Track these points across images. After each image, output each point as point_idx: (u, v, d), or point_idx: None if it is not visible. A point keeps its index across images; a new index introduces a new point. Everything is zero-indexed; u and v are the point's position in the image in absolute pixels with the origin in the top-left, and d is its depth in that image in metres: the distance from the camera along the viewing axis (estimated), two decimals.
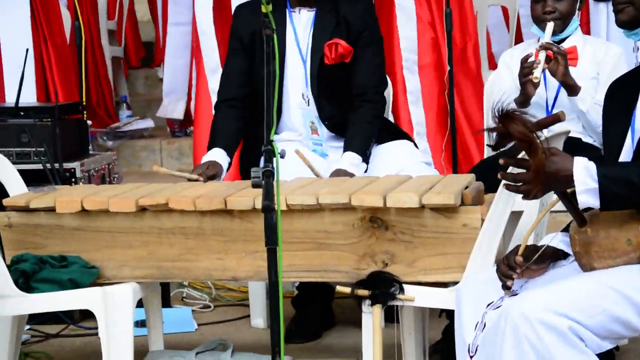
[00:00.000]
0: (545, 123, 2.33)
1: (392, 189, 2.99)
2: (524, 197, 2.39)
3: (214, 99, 4.89)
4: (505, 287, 2.47)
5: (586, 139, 3.79)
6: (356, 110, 3.71)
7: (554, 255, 2.54)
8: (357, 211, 2.97)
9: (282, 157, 2.20)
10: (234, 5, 4.63)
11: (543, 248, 2.50)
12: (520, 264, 2.45)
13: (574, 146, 3.47)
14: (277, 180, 2.18)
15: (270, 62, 2.25)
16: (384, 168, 3.63)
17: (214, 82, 4.85)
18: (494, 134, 2.32)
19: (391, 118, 4.47)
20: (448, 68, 4.51)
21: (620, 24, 2.53)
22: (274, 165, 2.19)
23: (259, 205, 2.98)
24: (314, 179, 3.40)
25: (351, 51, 3.71)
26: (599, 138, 3.72)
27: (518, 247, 2.50)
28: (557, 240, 2.54)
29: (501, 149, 2.37)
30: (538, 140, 2.30)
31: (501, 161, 2.35)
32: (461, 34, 4.74)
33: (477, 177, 3.23)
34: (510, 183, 2.38)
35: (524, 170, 2.35)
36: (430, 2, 4.63)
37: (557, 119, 2.34)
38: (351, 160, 3.61)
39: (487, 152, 4.05)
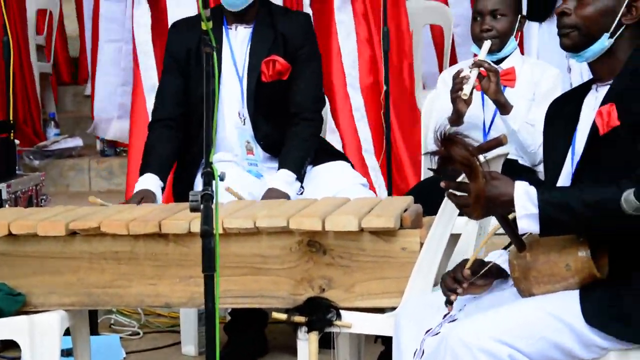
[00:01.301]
0: (488, 147, 2.33)
1: (330, 212, 2.98)
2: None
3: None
4: (448, 302, 2.46)
5: (523, 161, 3.83)
6: (292, 128, 3.69)
7: (499, 273, 2.54)
8: (294, 235, 2.95)
9: (222, 179, 2.17)
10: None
11: (490, 264, 2.50)
12: (468, 277, 2.45)
13: (511, 168, 3.50)
14: (216, 204, 2.14)
15: (210, 80, 2.22)
16: (322, 190, 3.62)
17: (151, 101, 4.79)
18: (435, 157, 2.32)
19: (337, 136, 4.47)
20: (384, 88, 4.52)
21: (565, 47, 2.52)
22: (213, 188, 2.16)
23: (194, 229, 2.94)
24: (251, 201, 3.37)
25: (289, 68, 3.69)
26: (530, 159, 3.76)
27: (464, 261, 2.50)
28: (503, 260, 2.54)
29: (443, 173, 2.37)
30: (479, 164, 2.30)
31: (442, 184, 2.34)
32: (397, 52, 4.77)
33: (415, 200, 3.23)
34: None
35: (465, 194, 2.35)
36: (368, 19, 4.64)
37: (499, 142, 2.34)
38: (285, 178, 3.59)
39: (425, 174, 4.06)
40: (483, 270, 2.47)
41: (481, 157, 2.31)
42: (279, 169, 3.64)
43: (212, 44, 2.20)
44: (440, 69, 5.40)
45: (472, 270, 2.46)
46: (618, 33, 2.47)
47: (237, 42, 3.74)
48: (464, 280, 2.45)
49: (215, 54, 2.20)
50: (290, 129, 3.69)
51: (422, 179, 4.06)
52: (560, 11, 2.50)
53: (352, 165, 3.89)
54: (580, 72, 4.27)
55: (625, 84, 2.45)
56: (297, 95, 3.70)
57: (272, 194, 3.54)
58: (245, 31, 3.74)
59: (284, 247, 2.96)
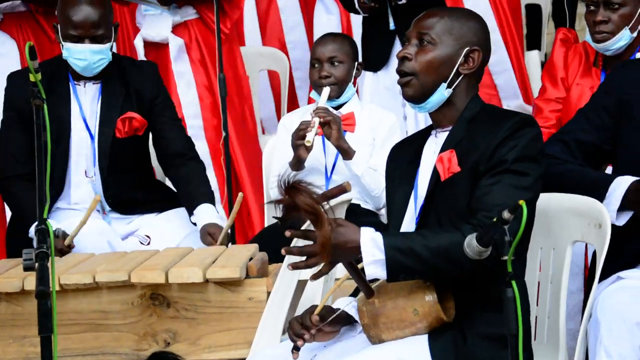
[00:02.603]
0: (332, 195, 2.34)
1: (173, 263, 2.94)
2: (316, 276, 2.38)
3: None
4: (295, 348, 2.44)
5: (365, 205, 3.88)
6: (181, 168, 3.68)
7: (347, 320, 2.54)
8: (136, 288, 2.90)
9: (57, 236, 2.09)
10: None
11: (339, 311, 2.49)
12: (317, 323, 2.44)
13: (354, 213, 3.54)
14: (52, 263, 2.05)
15: (40, 134, 2.14)
16: (164, 239, 3.57)
17: None
18: (280, 205, 2.31)
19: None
20: (224, 134, 4.50)
21: (407, 98, 2.54)
22: (49, 245, 2.07)
23: (28, 287, 2.84)
24: (89, 254, 3.27)
25: (145, 124, 3.66)
26: (375, 202, 3.82)
27: (313, 307, 2.50)
28: (351, 307, 2.54)
29: (288, 221, 2.35)
30: (324, 212, 2.30)
31: (287, 233, 2.33)
32: (238, 97, 4.76)
33: (260, 247, 3.21)
34: (297, 262, 2.36)
35: (311, 243, 2.34)
36: (206, 66, 4.62)
37: (343, 190, 2.35)
38: (213, 213, 3.54)
39: (269, 220, 4.05)
40: (332, 317, 2.47)
41: (325, 205, 2.31)
42: (195, 205, 3.57)
43: (42, 96, 2.13)
44: (279, 114, 5.42)
45: (321, 316, 2.45)
46: (456, 83, 2.53)
47: (87, 98, 3.66)
48: (312, 326, 2.44)
49: (45, 106, 2.13)
50: (179, 169, 3.68)
51: (266, 225, 4.04)
52: (402, 56, 2.54)
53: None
54: (416, 121, 4.39)
55: (463, 131, 2.52)
56: (169, 143, 3.70)
57: (212, 228, 3.46)
58: (94, 87, 3.66)
59: (126, 302, 2.91)
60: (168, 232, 3.64)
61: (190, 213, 3.61)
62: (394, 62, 4.42)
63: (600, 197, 2.71)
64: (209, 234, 3.49)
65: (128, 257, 3.12)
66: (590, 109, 2.96)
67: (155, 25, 4.48)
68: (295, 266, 2.36)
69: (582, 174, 2.85)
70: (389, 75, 4.51)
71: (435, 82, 2.52)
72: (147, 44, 4.53)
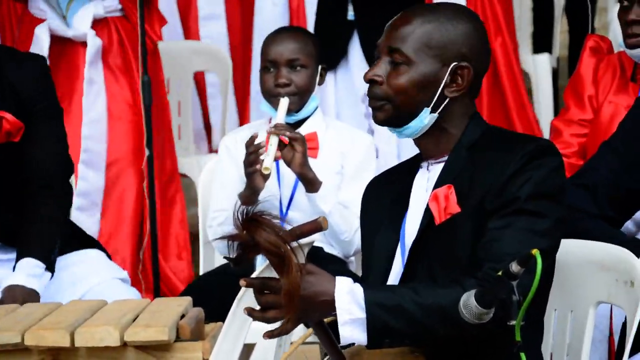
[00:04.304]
0: (302, 232, 2.33)
1: (82, 321, 2.86)
2: (271, 334, 2.34)
3: None
4: None
5: (329, 249, 3.85)
6: (35, 203, 3.59)
7: None
8: (32, 354, 2.82)
9: None
10: None
11: None
12: None
13: (315, 258, 3.51)
14: None
15: None
16: (69, 288, 3.56)
17: None
18: (235, 243, 2.27)
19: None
20: (147, 152, 4.47)
21: (378, 122, 2.55)
22: None
23: None
24: None
25: (21, 127, 3.59)
26: (343, 248, 3.80)
27: None
28: None
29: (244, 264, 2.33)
30: (292, 253, 2.28)
31: (242, 283, 2.31)
32: (160, 116, 4.74)
33: (194, 301, 3.14)
34: (253, 309, 2.35)
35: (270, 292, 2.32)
36: (131, 75, 4.57)
37: (318, 227, 2.34)
38: (29, 270, 3.47)
39: (205, 266, 4.01)
40: None
41: (294, 244, 2.31)
42: (20, 257, 3.51)
43: None
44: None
45: None
46: (443, 106, 2.52)
47: None
48: None
49: None
50: (32, 205, 3.59)
51: (201, 272, 4.00)
52: (369, 79, 2.53)
53: (109, 255, 3.81)
54: (389, 135, 4.40)
55: (463, 161, 2.51)
56: (38, 163, 3.61)
57: (13, 293, 3.39)
58: None
59: None
60: (69, 280, 3.60)
61: (14, 267, 3.55)
62: (352, 60, 4.44)
63: None
64: (6, 298, 3.42)
65: (21, 312, 3.02)
66: (618, 140, 2.96)
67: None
68: (250, 311, 2.31)
69: (611, 235, 2.83)
70: (348, 74, 4.50)
71: (414, 108, 2.53)
72: (54, 38, 4.47)
